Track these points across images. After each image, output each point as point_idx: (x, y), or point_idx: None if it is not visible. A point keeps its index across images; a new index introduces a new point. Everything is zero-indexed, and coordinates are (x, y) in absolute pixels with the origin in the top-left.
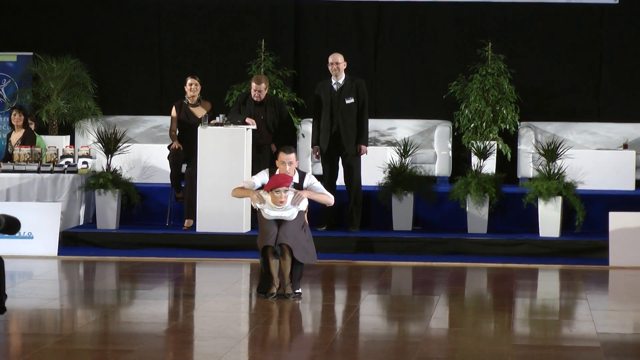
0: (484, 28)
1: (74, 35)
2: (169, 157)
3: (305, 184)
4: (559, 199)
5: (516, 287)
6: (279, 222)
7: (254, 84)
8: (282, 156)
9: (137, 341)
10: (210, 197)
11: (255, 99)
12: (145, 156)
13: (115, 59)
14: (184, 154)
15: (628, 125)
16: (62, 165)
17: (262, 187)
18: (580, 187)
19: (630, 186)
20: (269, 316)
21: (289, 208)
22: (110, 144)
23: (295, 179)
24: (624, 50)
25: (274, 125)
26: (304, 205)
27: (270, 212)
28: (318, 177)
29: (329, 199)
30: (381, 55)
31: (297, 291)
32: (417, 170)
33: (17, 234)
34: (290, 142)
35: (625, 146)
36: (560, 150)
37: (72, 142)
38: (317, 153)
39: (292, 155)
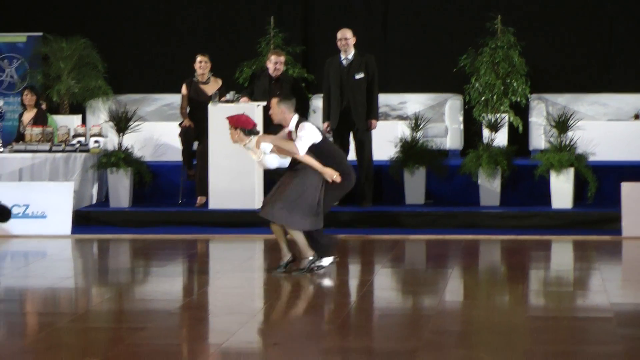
0: (493, 1)
1: (83, 14)
2: (180, 135)
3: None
4: (571, 170)
5: (529, 259)
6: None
7: (273, 57)
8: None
9: (151, 318)
10: (222, 174)
11: (273, 73)
12: (157, 134)
13: (125, 38)
14: (195, 132)
15: (639, 95)
16: (74, 145)
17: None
18: (591, 158)
19: None
20: (282, 292)
21: (254, 151)
22: (122, 123)
23: (292, 127)
24: (633, 20)
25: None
26: (266, 148)
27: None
28: None
29: (293, 148)
30: (390, 29)
31: (318, 263)
32: (429, 144)
33: (7, 222)
34: (304, 116)
35: (636, 117)
36: (572, 122)
37: (84, 122)
38: (328, 128)
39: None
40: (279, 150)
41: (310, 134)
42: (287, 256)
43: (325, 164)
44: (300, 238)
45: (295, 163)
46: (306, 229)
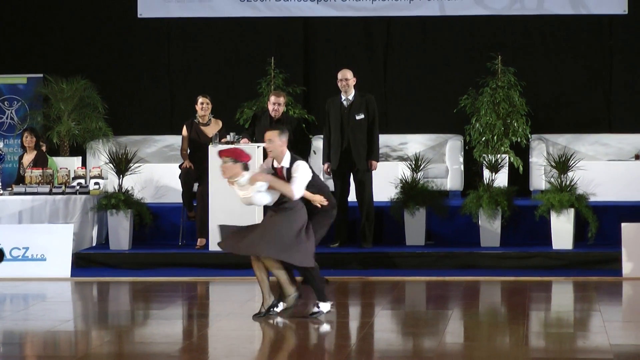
0: (493, 41)
1: (83, 56)
2: (180, 177)
3: (290, 171)
4: (572, 210)
5: (530, 300)
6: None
7: (273, 97)
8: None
9: None
10: (222, 215)
11: (272, 113)
12: (157, 176)
13: (126, 79)
14: (195, 173)
15: (639, 136)
16: (74, 187)
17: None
18: (592, 198)
19: None
20: (282, 334)
21: (247, 188)
22: (122, 164)
23: (286, 164)
24: (633, 60)
25: (290, 141)
26: (261, 187)
27: (239, 193)
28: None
29: (290, 192)
30: (391, 70)
31: (315, 310)
32: (429, 184)
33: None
34: (305, 158)
35: (637, 157)
36: (572, 162)
37: (84, 163)
38: (329, 169)
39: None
40: (272, 189)
41: (305, 175)
42: (269, 300)
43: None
44: (282, 275)
45: (283, 201)
46: (312, 264)
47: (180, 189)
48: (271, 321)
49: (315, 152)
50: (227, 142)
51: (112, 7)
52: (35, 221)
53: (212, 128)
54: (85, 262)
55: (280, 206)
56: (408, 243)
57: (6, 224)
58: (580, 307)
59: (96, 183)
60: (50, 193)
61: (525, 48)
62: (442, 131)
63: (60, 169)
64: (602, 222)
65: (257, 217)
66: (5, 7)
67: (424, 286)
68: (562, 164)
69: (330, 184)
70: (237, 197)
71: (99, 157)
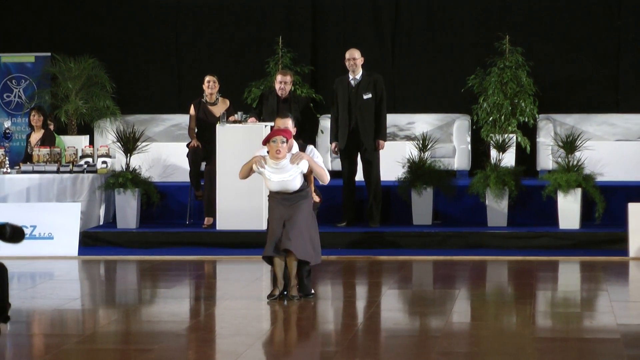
0: (501, 21)
1: (91, 34)
2: (188, 156)
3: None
4: (579, 190)
5: (537, 280)
6: (285, 218)
7: (279, 76)
8: (278, 121)
9: (158, 340)
10: (230, 194)
11: (279, 92)
12: (165, 155)
13: (133, 58)
14: (203, 152)
15: None
16: (81, 165)
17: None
18: (599, 178)
19: None
20: (289, 313)
21: (288, 169)
22: (129, 143)
23: (295, 149)
24: None
25: (298, 121)
26: (304, 165)
27: (272, 177)
28: (337, 172)
29: (324, 175)
30: (399, 50)
31: (308, 293)
32: (437, 164)
33: (21, 243)
34: (313, 137)
35: None
36: (580, 142)
37: (91, 142)
38: (336, 149)
39: (288, 120)
40: (309, 172)
41: (321, 159)
42: (280, 288)
43: None
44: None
45: (301, 188)
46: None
47: (188, 168)
48: (279, 300)
49: (322, 132)
50: (235, 122)
51: None
52: (43, 200)
53: (220, 107)
54: (92, 240)
55: (297, 193)
56: (415, 223)
57: (14, 202)
58: (587, 287)
59: (104, 162)
60: (57, 172)
61: (533, 28)
62: (449, 111)
63: (68, 147)
64: (609, 202)
65: (264, 197)
66: None
67: (431, 266)
68: (570, 144)
69: (338, 163)
70: (268, 183)
71: (107, 136)
